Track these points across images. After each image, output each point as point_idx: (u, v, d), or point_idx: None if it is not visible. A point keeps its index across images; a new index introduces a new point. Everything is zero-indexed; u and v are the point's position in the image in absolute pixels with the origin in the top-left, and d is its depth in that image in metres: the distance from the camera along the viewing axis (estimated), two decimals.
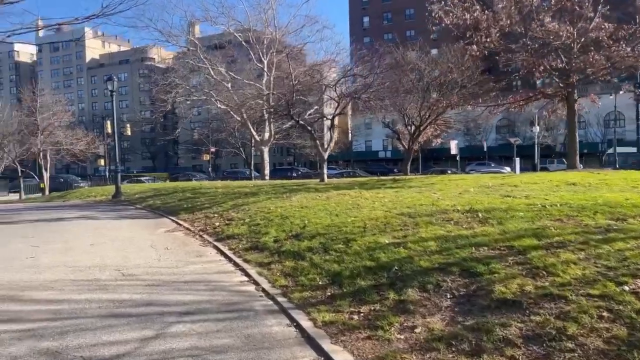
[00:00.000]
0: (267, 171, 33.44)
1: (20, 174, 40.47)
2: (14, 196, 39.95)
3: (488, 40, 18.78)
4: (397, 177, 21.52)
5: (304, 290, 6.30)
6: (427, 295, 5.38)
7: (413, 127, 31.63)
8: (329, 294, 6.03)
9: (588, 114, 35.81)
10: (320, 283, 6.44)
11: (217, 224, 11.96)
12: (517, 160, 43.28)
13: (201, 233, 11.43)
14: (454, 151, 39.17)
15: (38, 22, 17.28)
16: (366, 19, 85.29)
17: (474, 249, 6.32)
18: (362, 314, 5.27)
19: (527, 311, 4.56)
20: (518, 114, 55.94)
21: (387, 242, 7.23)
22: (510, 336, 4.21)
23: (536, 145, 48.79)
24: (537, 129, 48.34)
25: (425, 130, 31.55)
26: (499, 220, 7.57)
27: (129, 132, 54.27)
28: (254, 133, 32.97)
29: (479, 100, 23.55)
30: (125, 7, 18.02)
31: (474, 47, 18.97)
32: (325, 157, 21.68)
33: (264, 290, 6.59)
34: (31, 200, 30.73)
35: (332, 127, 22.67)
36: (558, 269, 5.25)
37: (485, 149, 52.54)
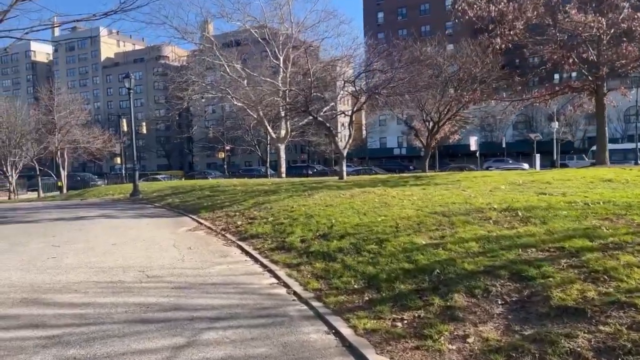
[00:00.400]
0: (283, 169, 33.11)
1: (38, 173, 40.72)
2: (33, 194, 40.25)
3: (512, 33, 18.23)
4: (418, 175, 21.05)
5: (339, 294, 5.95)
6: (476, 301, 5.00)
7: (431, 123, 31.12)
8: (367, 298, 5.68)
9: (616, 107, 34.92)
10: (355, 286, 6.09)
11: (239, 222, 11.68)
12: (538, 156, 42.52)
13: (223, 232, 11.16)
14: (474, 147, 38.46)
15: (55, 19, 17.14)
16: (380, 15, 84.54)
17: (520, 250, 5.92)
18: (406, 321, 4.92)
19: (594, 320, 4.17)
20: (536, 110, 55.04)
21: (424, 242, 6.86)
22: (578, 349, 3.82)
23: (554, 141, 47.84)
24: (556, 124, 47.39)
25: (443, 127, 31.04)
26: (541, 219, 7.15)
27: (144, 130, 54.36)
28: (270, 130, 32.67)
29: (503, 95, 22.96)
30: (142, 2, 17.81)
31: (498, 40, 18.44)
32: (345, 154, 21.31)
33: (295, 293, 6.26)
34: (49, 199, 30.83)
35: (350, 124, 22.28)
36: (621, 273, 4.84)
37: (504, 145, 51.66)
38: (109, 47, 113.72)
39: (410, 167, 61.65)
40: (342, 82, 23.41)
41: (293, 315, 5.48)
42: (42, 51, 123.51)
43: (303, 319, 5.37)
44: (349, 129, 22.19)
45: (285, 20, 30.98)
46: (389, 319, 5.01)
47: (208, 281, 7.00)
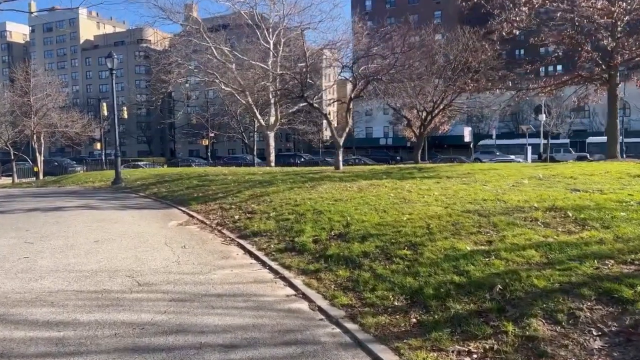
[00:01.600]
0: (272, 157, 31.80)
1: (13, 157, 38.77)
2: (7, 180, 38.35)
3: (518, 19, 17.35)
4: (419, 166, 20.10)
5: (377, 313, 4.90)
6: (562, 330, 3.99)
7: (424, 113, 30.22)
8: (414, 320, 4.64)
9: (624, 98, 34.33)
10: (396, 303, 5.04)
11: (236, 217, 10.54)
12: (529, 148, 42.03)
13: (219, 227, 10.02)
14: (467, 139, 37.75)
15: None
16: (369, 3, 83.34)
17: (596, 262, 4.93)
18: (475, 356, 3.89)
19: None
20: (523, 102, 54.43)
21: (469, 249, 5.84)
22: None
23: (541, 134, 47.32)
24: (543, 117, 46.85)
25: (434, 117, 30.21)
26: (600, 222, 6.19)
27: (125, 115, 52.47)
28: (259, 117, 31.33)
29: (509, 84, 22.08)
30: None
31: (504, 25, 17.53)
32: (341, 142, 20.22)
33: (321, 310, 5.19)
34: (25, 185, 29.16)
35: (347, 111, 21.18)
36: None
37: (494, 137, 51.13)
38: (88, 29, 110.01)
39: (397, 157, 60.84)
40: (340, 66, 22.22)
41: (326, 341, 4.42)
42: (18, 31, 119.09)
43: (340, 347, 4.31)
44: (346, 116, 21.09)
45: (277, 1, 29.53)
46: (453, 352, 3.98)
47: (212, 291, 5.89)
